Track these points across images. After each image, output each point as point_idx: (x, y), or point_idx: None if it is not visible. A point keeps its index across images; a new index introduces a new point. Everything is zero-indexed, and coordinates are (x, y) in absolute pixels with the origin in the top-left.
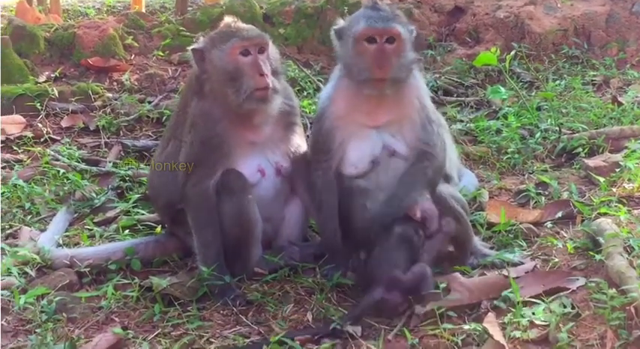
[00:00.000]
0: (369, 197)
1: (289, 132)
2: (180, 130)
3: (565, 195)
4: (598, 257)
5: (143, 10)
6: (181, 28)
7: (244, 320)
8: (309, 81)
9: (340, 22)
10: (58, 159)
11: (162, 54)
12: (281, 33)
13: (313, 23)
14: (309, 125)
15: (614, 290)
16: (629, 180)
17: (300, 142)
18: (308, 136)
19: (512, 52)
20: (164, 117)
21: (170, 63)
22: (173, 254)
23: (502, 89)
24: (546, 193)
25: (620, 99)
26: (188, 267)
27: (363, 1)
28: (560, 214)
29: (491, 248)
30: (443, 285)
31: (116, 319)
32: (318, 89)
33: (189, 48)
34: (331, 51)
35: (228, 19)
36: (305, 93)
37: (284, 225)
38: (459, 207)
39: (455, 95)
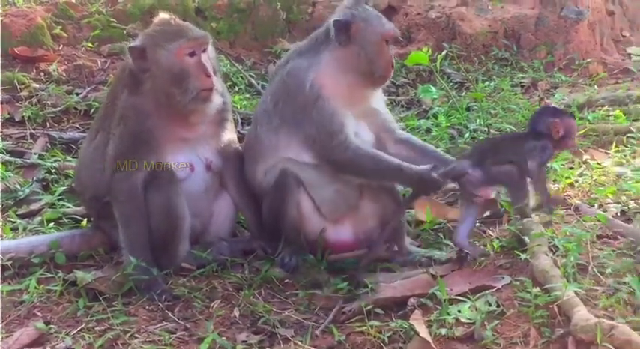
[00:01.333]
0: None
1: (220, 129)
2: (109, 123)
3: (492, 195)
4: (523, 256)
5: (73, 0)
6: (112, 20)
7: (170, 315)
8: (241, 76)
9: (345, 15)
10: None
11: (91, 45)
12: (213, 27)
13: (246, 18)
14: (240, 120)
15: (538, 288)
16: (554, 180)
17: (230, 138)
18: (239, 132)
19: (444, 53)
20: (92, 110)
21: (99, 54)
22: (99, 248)
23: (433, 89)
24: None
25: (547, 101)
26: (114, 262)
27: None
28: (486, 213)
29: (419, 246)
30: (372, 283)
31: (39, 313)
32: (250, 85)
33: (127, 46)
34: (264, 46)
35: (165, 16)
36: (236, 88)
37: (213, 221)
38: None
39: (386, 94)
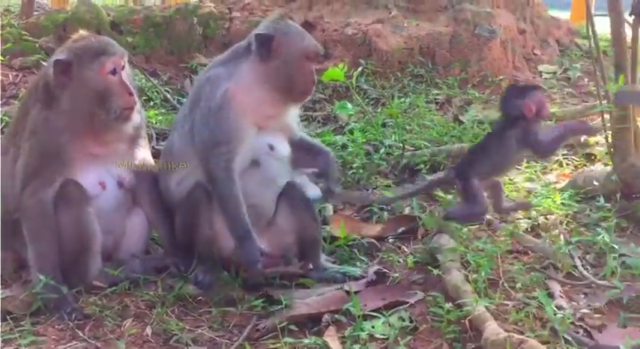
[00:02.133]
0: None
1: (134, 145)
2: (19, 138)
3: (407, 211)
4: (436, 271)
5: None
6: (24, 33)
7: (81, 334)
8: (157, 91)
9: (267, 28)
10: None
11: (2, 58)
12: (129, 41)
13: (162, 32)
14: (154, 136)
15: (450, 304)
16: None
17: (144, 154)
18: (153, 147)
19: (359, 69)
20: (3, 125)
21: (11, 68)
22: (7, 266)
23: (349, 105)
24: (389, 208)
25: (461, 117)
26: (22, 280)
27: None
28: (401, 229)
29: (334, 262)
30: (286, 299)
31: None
32: (165, 100)
33: (54, 59)
34: (180, 61)
35: (83, 33)
36: (152, 103)
37: (125, 238)
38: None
39: (302, 109)
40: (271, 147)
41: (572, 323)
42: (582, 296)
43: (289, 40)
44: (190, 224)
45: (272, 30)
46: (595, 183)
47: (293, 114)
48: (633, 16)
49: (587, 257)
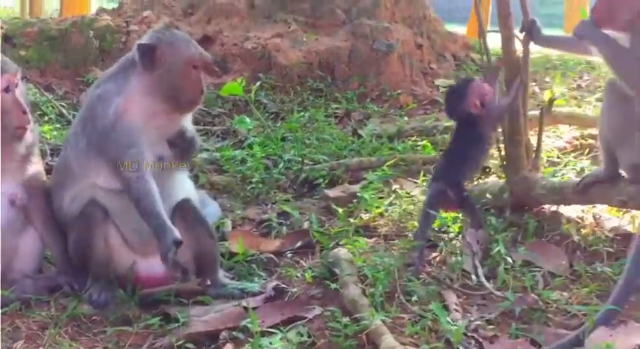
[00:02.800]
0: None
1: (26, 162)
2: None
3: (305, 225)
4: (334, 286)
5: None
6: None
7: None
8: (51, 106)
9: (150, 38)
10: None
11: None
12: (22, 55)
13: (57, 46)
14: (48, 151)
15: (347, 318)
16: (365, 210)
17: (37, 171)
18: (47, 163)
19: (258, 83)
20: None
21: None
22: None
23: (247, 119)
24: (288, 223)
25: (360, 131)
26: None
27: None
28: (300, 244)
29: (233, 278)
30: (183, 317)
31: None
32: (60, 114)
33: None
34: (76, 75)
35: None
36: (46, 118)
37: (17, 257)
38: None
39: (202, 124)
40: (161, 158)
41: (465, 334)
42: (477, 307)
43: (173, 49)
44: (84, 242)
45: (155, 39)
46: (488, 195)
47: (187, 123)
48: (523, 33)
49: (481, 269)
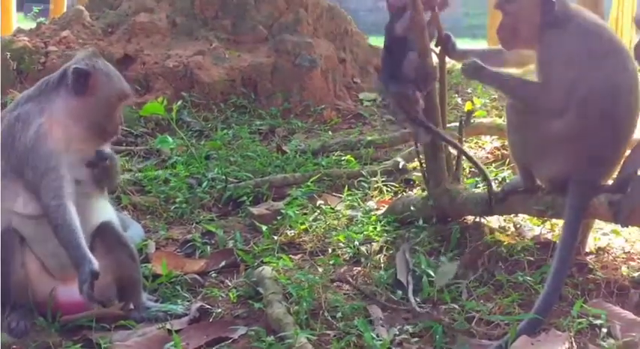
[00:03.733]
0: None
1: None
2: None
3: (230, 244)
4: (258, 305)
5: None
6: None
7: None
8: None
9: (85, 64)
10: None
11: None
12: None
13: None
14: None
15: (272, 337)
16: (290, 227)
17: None
18: None
19: (180, 102)
20: None
21: None
22: None
23: (170, 139)
24: (212, 242)
25: (284, 147)
26: None
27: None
28: (224, 263)
29: (157, 300)
30: (105, 342)
31: None
32: None
33: None
34: None
35: None
36: None
37: None
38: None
39: (124, 144)
40: (78, 183)
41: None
42: (401, 321)
43: (108, 80)
44: (1, 269)
45: (90, 66)
46: (412, 208)
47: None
48: (439, 47)
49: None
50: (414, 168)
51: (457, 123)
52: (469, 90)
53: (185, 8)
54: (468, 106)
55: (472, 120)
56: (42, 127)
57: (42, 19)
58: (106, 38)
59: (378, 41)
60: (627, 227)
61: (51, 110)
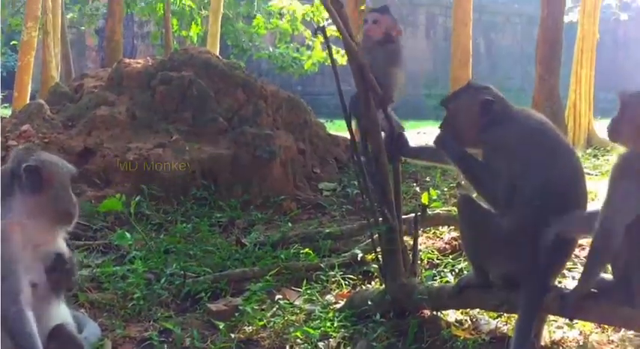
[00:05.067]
0: None
1: None
2: None
3: (187, 341)
4: None
5: None
6: None
7: None
8: None
9: (35, 161)
10: None
11: None
12: None
13: None
14: None
15: None
16: (248, 323)
17: None
18: None
19: (138, 197)
20: None
21: None
22: None
23: (128, 234)
24: (170, 340)
25: (243, 240)
26: None
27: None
28: None
29: None
30: None
31: None
32: None
33: None
34: None
35: None
36: None
37: None
38: None
39: (83, 239)
40: (33, 285)
41: None
42: None
43: (56, 168)
44: None
45: (39, 161)
46: (369, 303)
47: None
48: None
49: None
50: (373, 260)
51: (414, 214)
52: (427, 179)
53: (145, 101)
54: (424, 198)
55: (429, 212)
56: (5, 229)
57: (6, 105)
58: (66, 131)
59: (341, 125)
60: (573, 320)
61: (10, 212)
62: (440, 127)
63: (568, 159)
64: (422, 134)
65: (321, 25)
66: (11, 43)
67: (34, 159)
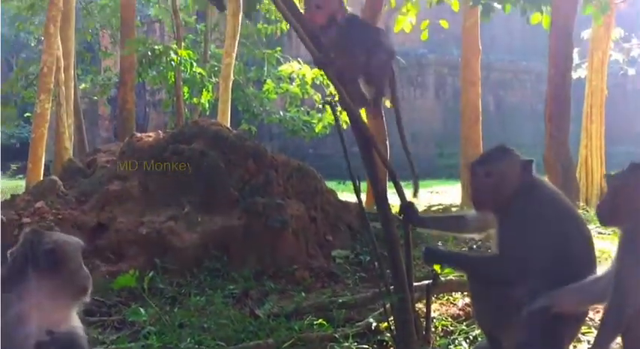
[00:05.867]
0: None
1: None
2: None
3: None
4: None
5: None
6: None
7: None
8: None
9: (49, 243)
10: None
11: None
12: None
13: None
14: None
15: None
16: None
17: None
18: None
19: (151, 273)
20: None
21: None
22: None
23: (142, 311)
24: None
25: (257, 312)
26: None
27: None
28: None
29: None
30: None
31: None
32: None
33: None
34: None
35: None
36: None
37: None
38: None
39: (97, 315)
40: None
41: None
42: None
43: (69, 246)
44: None
45: (52, 243)
46: None
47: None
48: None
49: None
50: (387, 328)
51: (426, 281)
52: (440, 243)
53: (157, 175)
54: (437, 266)
55: (442, 278)
56: (20, 314)
57: (20, 176)
58: (80, 207)
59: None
60: None
61: (25, 296)
62: (473, 192)
63: (583, 228)
64: (434, 193)
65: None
66: (25, 115)
67: (48, 241)
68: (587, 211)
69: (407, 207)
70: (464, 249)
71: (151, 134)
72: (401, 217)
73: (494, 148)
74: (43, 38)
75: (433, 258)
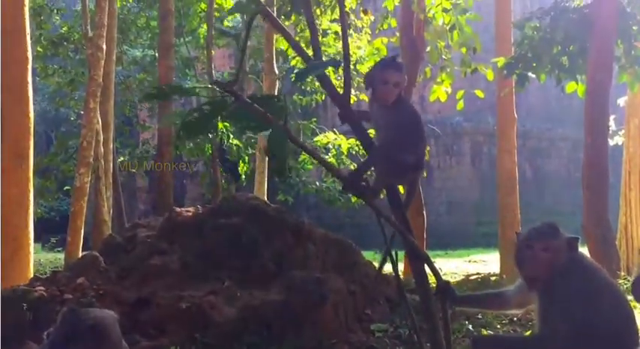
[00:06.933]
0: None
1: None
2: None
3: None
4: None
5: None
6: None
7: None
8: None
9: (86, 320)
10: None
11: None
12: None
13: None
14: None
15: None
16: None
17: None
18: None
19: (192, 348)
20: None
21: None
22: None
23: None
24: None
25: None
26: None
27: None
28: None
29: None
30: None
31: None
32: None
33: None
34: None
35: None
36: None
37: None
38: None
39: None
40: None
41: None
42: None
43: (109, 321)
44: None
45: (93, 320)
46: None
47: None
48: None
49: None
50: None
51: None
52: (479, 316)
53: (197, 249)
54: None
55: None
56: None
57: (59, 249)
58: (120, 282)
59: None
60: None
61: None
62: (528, 266)
63: (626, 304)
64: (472, 262)
65: None
66: (64, 189)
67: (87, 317)
68: (627, 281)
69: (444, 288)
70: (504, 321)
71: (190, 209)
72: (438, 297)
73: (546, 224)
74: (82, 112)
75: (483, 346)
